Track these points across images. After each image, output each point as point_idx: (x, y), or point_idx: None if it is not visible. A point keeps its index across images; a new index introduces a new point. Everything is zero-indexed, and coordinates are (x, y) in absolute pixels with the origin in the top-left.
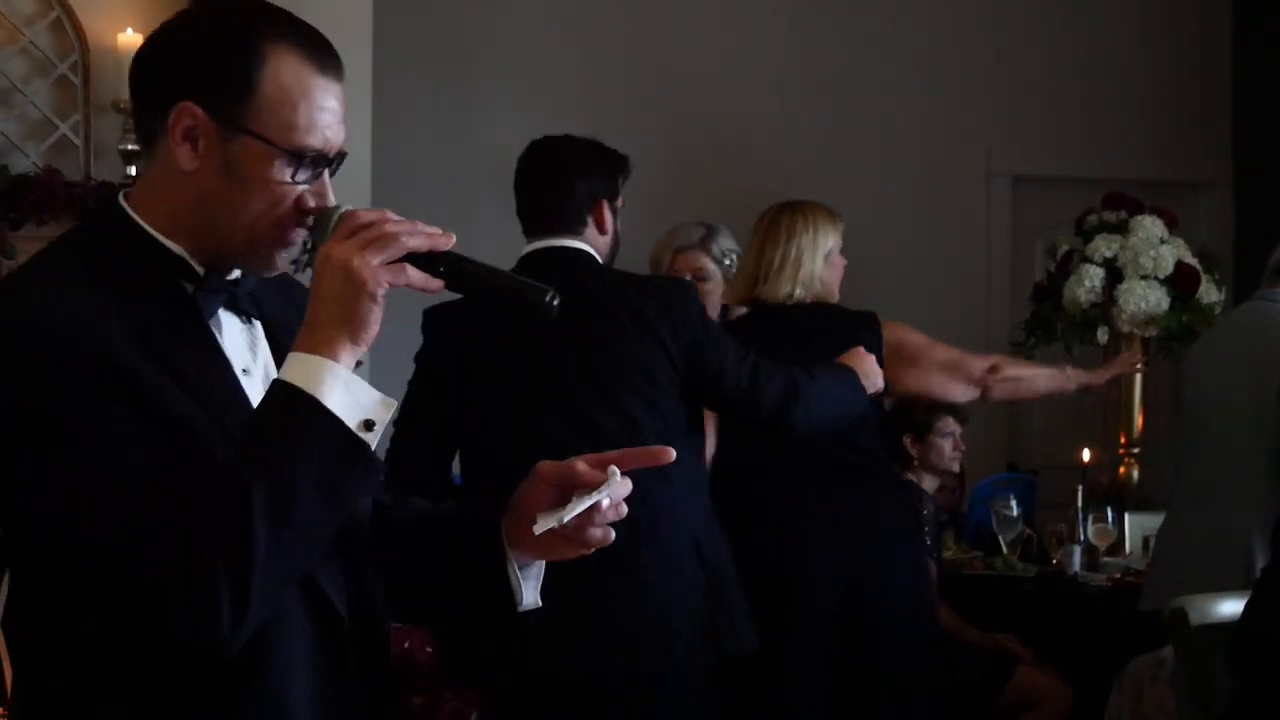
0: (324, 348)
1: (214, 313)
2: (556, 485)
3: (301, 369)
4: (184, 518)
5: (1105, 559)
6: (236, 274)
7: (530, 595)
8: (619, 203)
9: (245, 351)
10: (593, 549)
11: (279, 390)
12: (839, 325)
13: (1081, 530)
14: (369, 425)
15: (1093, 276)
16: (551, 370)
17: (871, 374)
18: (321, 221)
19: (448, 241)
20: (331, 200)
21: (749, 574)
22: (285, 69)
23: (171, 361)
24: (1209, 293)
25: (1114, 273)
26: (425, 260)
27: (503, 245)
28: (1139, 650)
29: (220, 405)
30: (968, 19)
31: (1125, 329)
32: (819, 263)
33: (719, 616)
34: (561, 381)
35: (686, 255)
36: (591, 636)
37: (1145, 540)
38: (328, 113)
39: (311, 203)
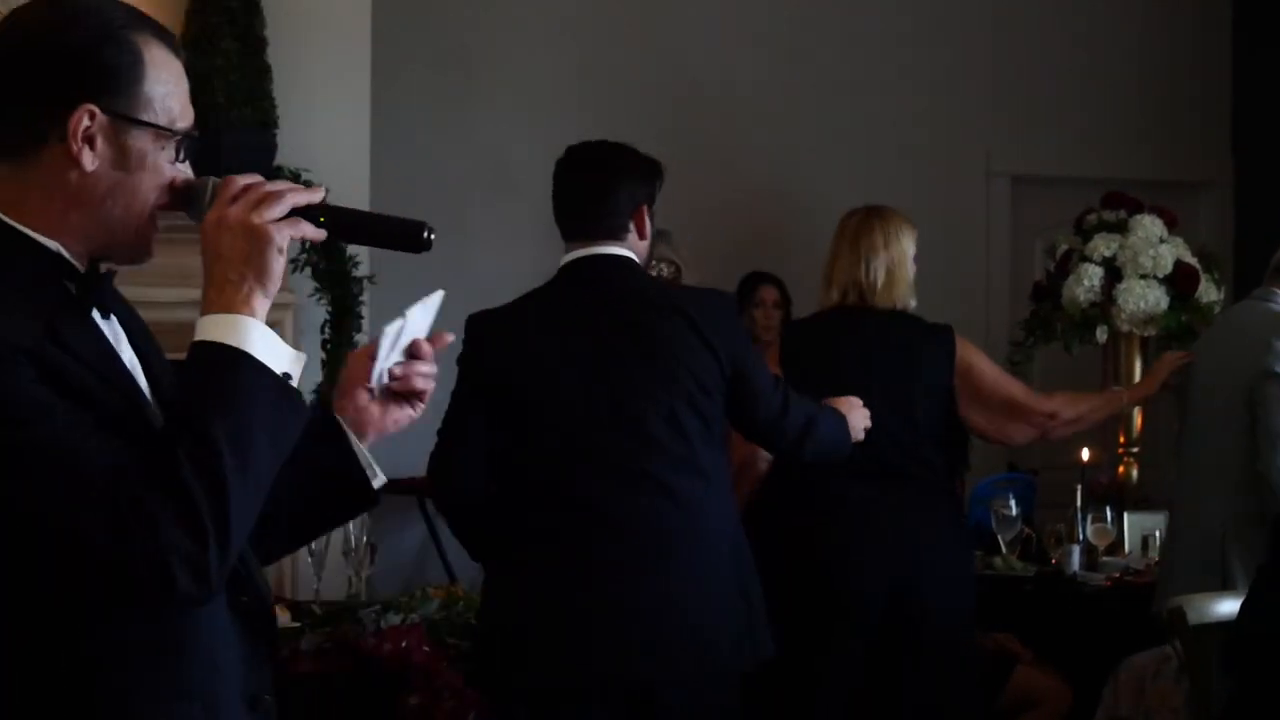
0: (241, 305)
1: (92, 308)
2: (371, 356)
3: (223, 327)
4: (164, 477)
5: (1104, 558)
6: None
7: (378, 472)
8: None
9: (113, 344)
10: (422, 400)
11: (209, 350)
12: (915, 335)
13: (1081, 530)
14: (287, 377)
15: (1092, 276)
16: (602, 371)
17: (857, 428)
18: (196, 194)
19: (320, 194)
20: (192, 174)
21: (789, 575)
22: (158, 59)
23: (78, 353)
24: (1208, 292)
25: (1113, 272)
26: (306, 214)
27: (502, 246)
28: (1139, 649)
29: (125, 393)
30: (967, 18)
31: (1124, 328)
32: (910, 269)
33: (750, 620)
34: (612, 383)
35: None
36: (629, 641)
37: (1144, 540)
38: (187, 93)
39: (179, 180)
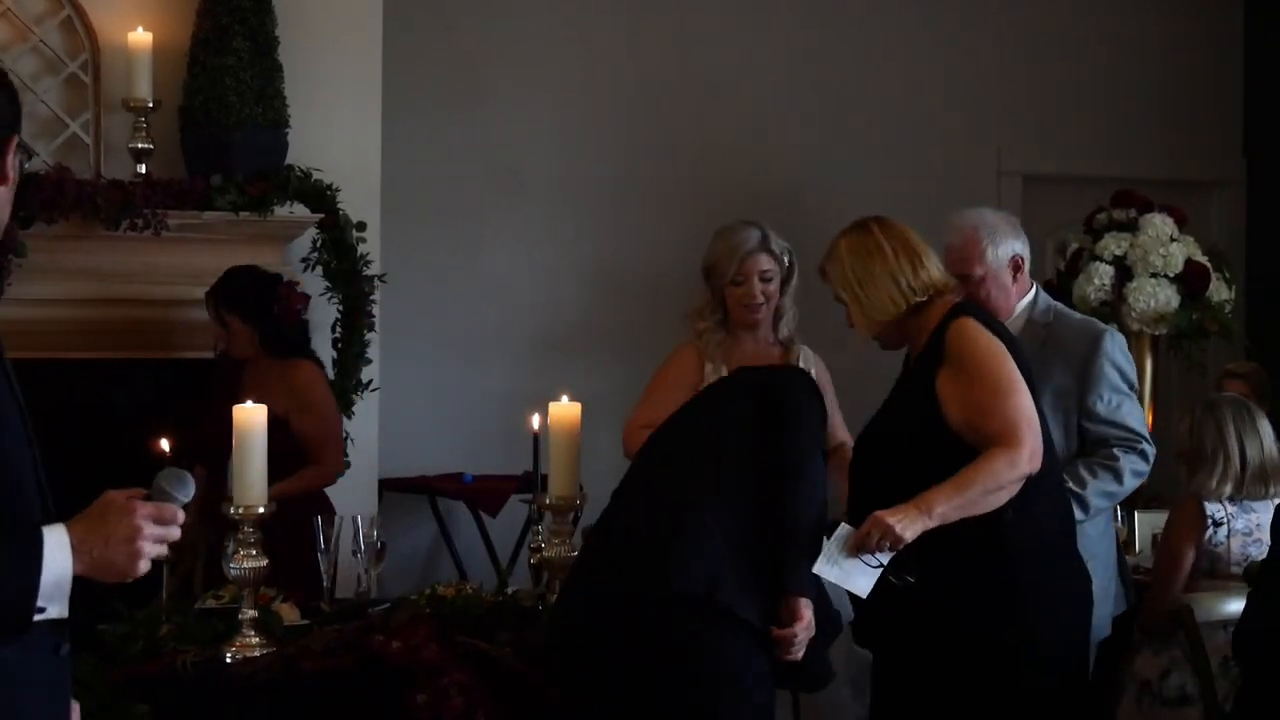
0: None
1: None
2: None
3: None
4: None
5: None
6: None
7: None
8: None
9: None
10: None
11: None
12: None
13: None
14: None
15: (1102, 274)
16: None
17: None
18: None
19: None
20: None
21: None
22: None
23: None
24: (1219, 291)
25: (1124, 271)
26: None
27: (513, 245)
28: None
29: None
30: (979, 18)
31: (1135, 327)
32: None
33: (663, 554)
34: None
35: (755, 258)
36: (613, 558)
37: (1154, 538)
38: None
39: None
